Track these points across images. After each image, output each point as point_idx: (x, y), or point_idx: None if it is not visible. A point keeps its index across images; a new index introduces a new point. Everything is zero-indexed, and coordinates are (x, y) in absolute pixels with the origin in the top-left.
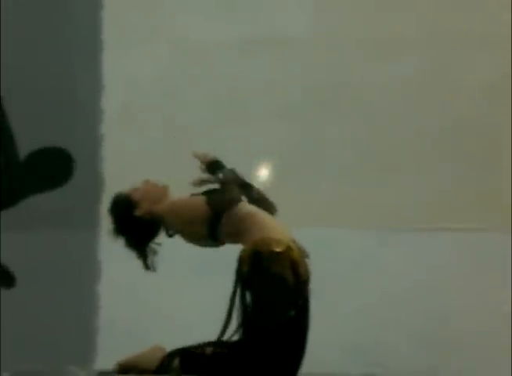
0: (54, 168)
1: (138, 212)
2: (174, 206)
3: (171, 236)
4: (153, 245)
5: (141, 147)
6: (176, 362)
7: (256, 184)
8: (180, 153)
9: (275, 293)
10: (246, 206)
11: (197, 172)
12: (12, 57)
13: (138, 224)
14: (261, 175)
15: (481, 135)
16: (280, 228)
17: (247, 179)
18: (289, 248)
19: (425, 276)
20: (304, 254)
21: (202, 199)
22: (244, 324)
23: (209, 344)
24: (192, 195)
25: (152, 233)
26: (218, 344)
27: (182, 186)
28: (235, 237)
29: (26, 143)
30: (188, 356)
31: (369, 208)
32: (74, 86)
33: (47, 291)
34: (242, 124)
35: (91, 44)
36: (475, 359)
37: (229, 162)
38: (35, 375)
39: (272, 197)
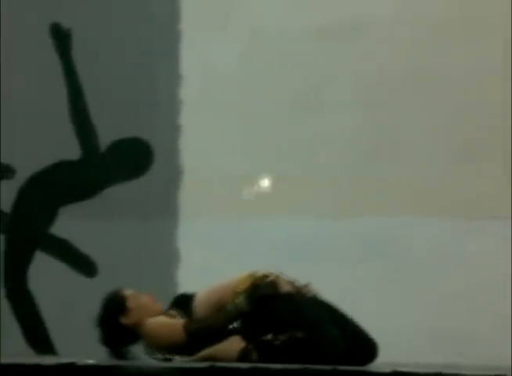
0: (133, 158)
1: (124, 320)
2: (154, 334)
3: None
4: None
5: (219, 137)
6: (254, 353)
7: (333, 173)
8: (257, 142)
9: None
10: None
11: (272, 162)
12: (91, 48)
13: (119, 329)
14: (339, 163)
15: None
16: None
17: (324, 167)
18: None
19: (510, 265)
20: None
21: (179, 327)
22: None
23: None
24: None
25: (129, 343)
26: (292, 331)
27: (259, 174)
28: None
29: (106, 134)
30: (264, 346)
31: (455, 196)
32: (153, 76)
33: (127, 279)
34: (320, 112)
35: (169, 33)
36: None
37: (307, 150)
38: (119, 362)
39: (352, 186)
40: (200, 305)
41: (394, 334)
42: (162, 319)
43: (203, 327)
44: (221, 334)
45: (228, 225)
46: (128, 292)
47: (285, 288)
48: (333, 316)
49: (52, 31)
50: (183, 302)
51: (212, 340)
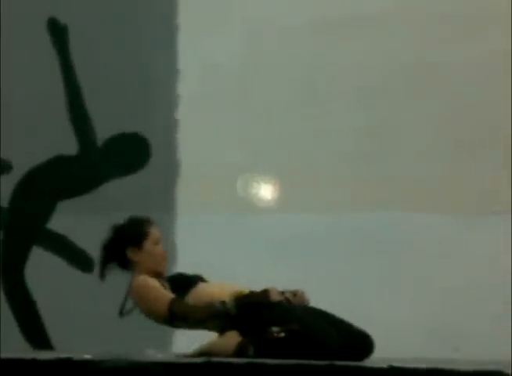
0: (131, 153)
1: (130, 253)
2: (141, 291)
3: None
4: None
5: (217, 131)
6: (251, 348)
7: (332, 169)
8: (256, 137)
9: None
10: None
11: (271, 157)
12: (89, 43)
13: (120, 254)
14: (340, 159)
15: None
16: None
17: (323, 163)
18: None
19: (510, 260)
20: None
21: (166, 301)
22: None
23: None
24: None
25: (119, 265)
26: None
27: (257, 170)
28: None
29: (103, 129)
30: (260, 340)
31: (455, 192)
32: (150, 71)
33: (124, 275)
34: (320, 107)
35: (167, 27)
36: None
37: (306, 145)
38: (116, 357)
39: (352, 182)
40: (193, 298)
41: (392, 329)
42: (155, 284)
43: (186, 312)
44: (200, 326)
45: (226, 220)
46: (153, 230)
47: (276, 298)
48: (326, 318)
49: (50, 26)
50: (182, 282)
51: (189, 327)
